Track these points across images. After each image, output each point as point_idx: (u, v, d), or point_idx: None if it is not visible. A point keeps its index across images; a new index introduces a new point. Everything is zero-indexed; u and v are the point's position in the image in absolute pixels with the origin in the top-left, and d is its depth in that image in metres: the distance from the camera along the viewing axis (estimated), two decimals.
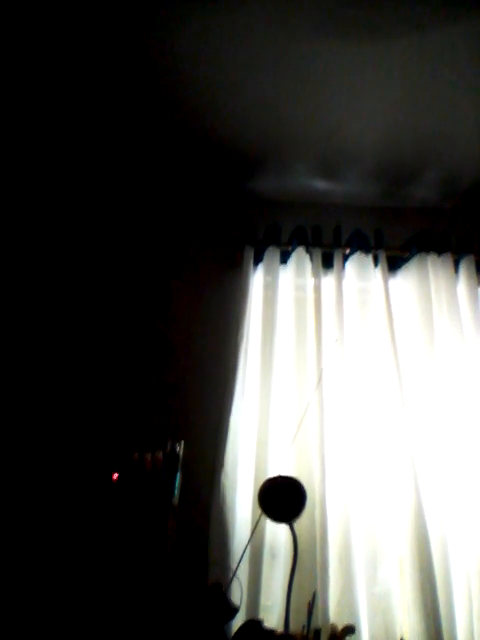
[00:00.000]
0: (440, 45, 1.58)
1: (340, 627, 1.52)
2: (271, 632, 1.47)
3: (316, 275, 2.04)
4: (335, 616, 1.56)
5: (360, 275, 2.06)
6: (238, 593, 1.53)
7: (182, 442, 1.67)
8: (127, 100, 1.83)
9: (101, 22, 1.54)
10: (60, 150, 2.07)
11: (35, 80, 1.74)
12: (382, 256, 2.08)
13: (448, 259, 2.08)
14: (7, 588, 1.48)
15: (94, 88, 1.78)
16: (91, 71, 1.71)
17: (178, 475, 1.61)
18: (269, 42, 1.58)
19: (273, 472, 1.65)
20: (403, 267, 2.13)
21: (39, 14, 1.52)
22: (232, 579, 1.53)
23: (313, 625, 1.48)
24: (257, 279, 2.10)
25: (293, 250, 2.09)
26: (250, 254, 2.09)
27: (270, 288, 2.03)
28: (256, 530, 1.59)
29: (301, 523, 1.59)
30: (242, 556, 1.55)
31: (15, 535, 1.58)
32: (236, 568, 1.54)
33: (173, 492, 1.58)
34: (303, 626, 1.47)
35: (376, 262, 2.08)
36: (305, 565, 1.59)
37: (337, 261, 2.07)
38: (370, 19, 1.50)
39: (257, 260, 2.12)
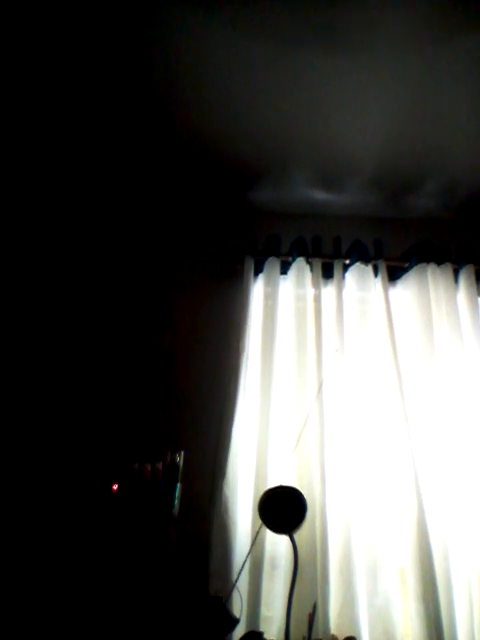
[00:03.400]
0: (440, 58, 1.59)
1: (341, 638, 1.52)
2: None
3: (316, 285, 2.05)
4: (336, 627, 1.55)
5: (360, 285, 2.07)
6: (238, 604, 1.53)
7: (182, 453, 1.68)
8: (128, 113, 1.86)
9: (103, 36, 1.57)
10: (63, 163, 2.10)
11: (39, 93, 1.77)
12: (382, 266, 2.09)
13: (448, 269, 2.09)
14: (7, 598, 1.49)
15: (96, 101, 1.80)
16: (93, 84, 1.73)
17: (178, 486, 1.61)
18: (270, 55, 1.60)
19: (273, 482, 1.65)
20: (403, 277, 2.14)
21: (44, 29, 1.55)
22: (232, 590, 1.53)
23: (314, 636, 1.48)
24: (257, 289, 2.12)
25: (293, 260, 2.10)
26: (250, 265, 2.10)
27: (270, 298, 2.04)
28: (256, 541, 1.59)
29: (301, 534, 1.59)
30: (242, 567, 1.55)
31: (15, 545, 1.58)
32: (236, 579, 1.54)
33: (173, 503, 1.58)
34: (304, 637, 1.47)
35: (376, 272, 2.09)
36: (306, 576, 1.58)
37: (337, 271, 2.08)
38: (370, 33, 1.52)
39: (257, 271, 2.13)
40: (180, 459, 1.65)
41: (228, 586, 1.55)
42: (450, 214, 2.35)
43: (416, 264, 2.09)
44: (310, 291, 2.06)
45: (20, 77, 1.69)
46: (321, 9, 1.45)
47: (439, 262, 2.10)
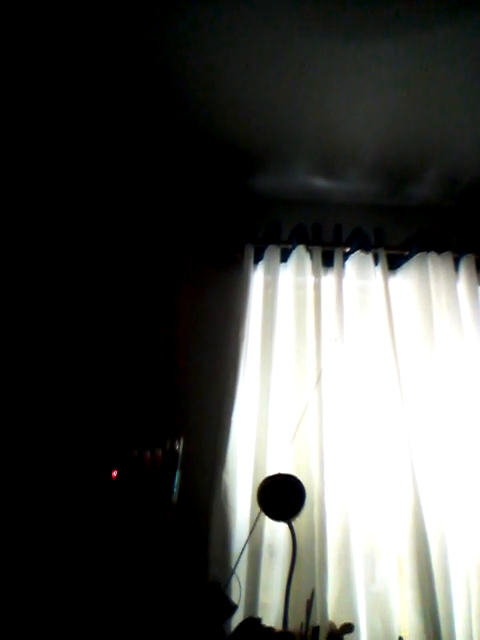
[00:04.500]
0: (440, 44, 1.57)
1: (338, 625, 1.53)
2: (270, 630, 1.48)
3: (316, 273, 2.04)
4: (333, 614, 1.56)
5: (360, 274, 2.06)
6: (237, 591, 1.54)
7: (181, 440, 1.67)
8: (128, 98, 1.83)
9: (102, 21, 1.54)
10: (62, 150, 2.07)
11: (36, 84, 1.74)
12: (382, 255, 2.07)
13: (448, 258, 2.08)
14: (5, 585, 1.49)
15: (95, 87, 1.77)
16: (92, 70, 1.70)
17: (177, 473, 1.61)
18: (270, 40, 1.57)
19: (272, 470, 1.65)
20: (403, 266, 2.13)
21: (42, 17, 1.52)
22: (231, 577, 1.54)
23: (311, 623, 1.49)
24: (257, 277, 2.10)
25: (293, 248, 2.09)
26: (250, 252, 2.09)
27: (270, 286, 2.03)
28: (255, 528, 1.59)
29: (300, 521, 1.59)
30: (241, 554, 1.56)
31: (13, 532, 1.58)
32: (235, 566, 1.55)
33: (172, 490, 1.58)
34: (302, 624, 1.48)
35: (376, 261, 2.08)
36: (304, 563, 1.59)
37: (337, 260, 2.06)
38: (371, 18, 1.50)
39: (257, 258, 2.11)
40: (179, 446, 1.65)
41: (227, 573, 1.56)
42: (451, 203, 2.33)
43: (416, 253, 2.08)
44: (310, 279, 2.04)
45: (27, 60, 1.66)
46: None
47: (439, 251, 2.09)
